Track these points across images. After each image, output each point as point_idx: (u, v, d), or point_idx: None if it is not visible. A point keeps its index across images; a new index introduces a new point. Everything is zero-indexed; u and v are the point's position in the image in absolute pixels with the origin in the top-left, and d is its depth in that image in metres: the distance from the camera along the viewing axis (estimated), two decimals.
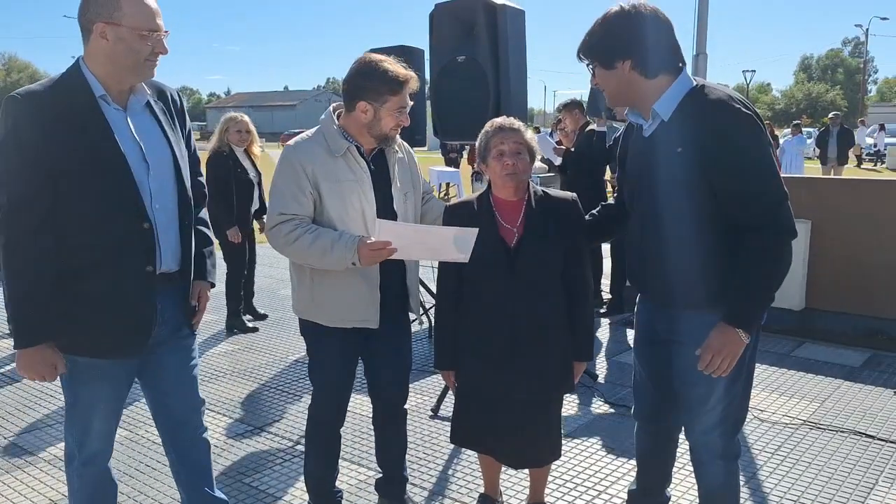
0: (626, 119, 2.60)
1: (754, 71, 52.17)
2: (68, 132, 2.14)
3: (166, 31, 2.26)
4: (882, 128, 29.76)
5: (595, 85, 2.51)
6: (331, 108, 2.81)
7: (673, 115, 2.32)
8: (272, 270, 8.27)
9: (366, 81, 2.62)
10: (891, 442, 3.83)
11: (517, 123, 2.71)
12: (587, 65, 2.45)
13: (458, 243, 2.54)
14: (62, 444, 3.83)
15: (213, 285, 2.66)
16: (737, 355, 2.30)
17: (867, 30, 53.86)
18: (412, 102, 2.71)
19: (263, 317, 6.39)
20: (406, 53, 5.33)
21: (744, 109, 2.22)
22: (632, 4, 2.34)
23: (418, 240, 2.59)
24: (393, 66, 2.62)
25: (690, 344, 2.38)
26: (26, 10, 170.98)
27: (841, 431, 3.97)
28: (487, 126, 2.73)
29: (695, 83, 2.34)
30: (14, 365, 5.14)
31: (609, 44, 2.35)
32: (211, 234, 2.69)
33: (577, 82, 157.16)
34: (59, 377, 2.33)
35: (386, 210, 2.73)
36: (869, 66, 66.15)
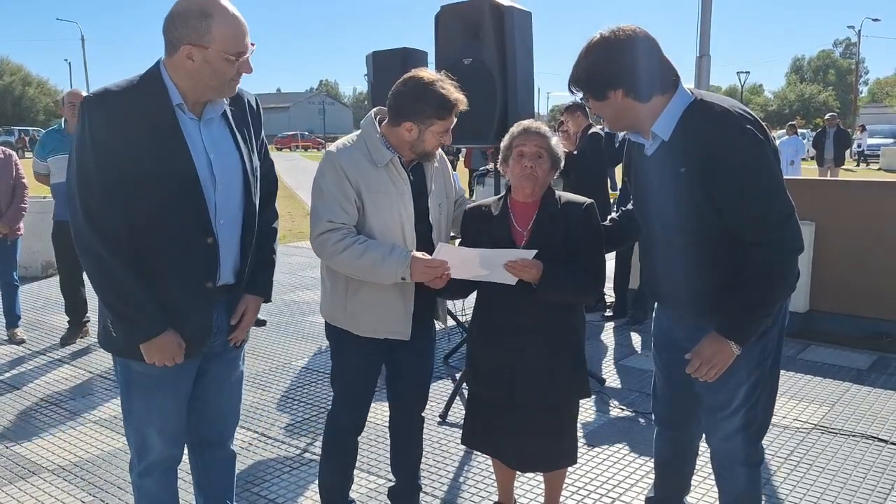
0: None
1: (748, 72, 52.12)
2: (143, 137, 2.11)
3: (253, 45, 2.18)
4: (863, 128, 30.16)
5: (595, 114, 2.48)
6: (372, 113, 2.73)
7: (673, 135, 2.27)
8: None
9: (415, 103, 2.55)
10: None
11: (544, 128, 2.69)
12: (581, 97, 2.43)
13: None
14: (65, 454, 3.80)
15: (267, 300, 2.59)
16: (726, 365, 2.29)
17: (859, 31, 54.02)
18: (455, 120, 2.65)
19: (262, 323, 6.29)
20: (409, 55, 5.32)
21: (745, 124, 2.17)
22: (612, 31, 2.28)
23: (475, 262, 2.56)
24: (446, 89, 2.55)
25: None
26: (19, 13, 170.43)
27: (853, 436, 3.94)
28: (514, 127, 2.72)
29: (693, 97, 2.29)
30: (14, 372, 5.11)
31: (597, 76, 2.30)
32: (275, 244, 2.61)
33: None
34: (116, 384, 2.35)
35: (422, 221, 2.69)
36: (860, 66, 66.41)
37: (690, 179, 2.22)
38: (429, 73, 2.60)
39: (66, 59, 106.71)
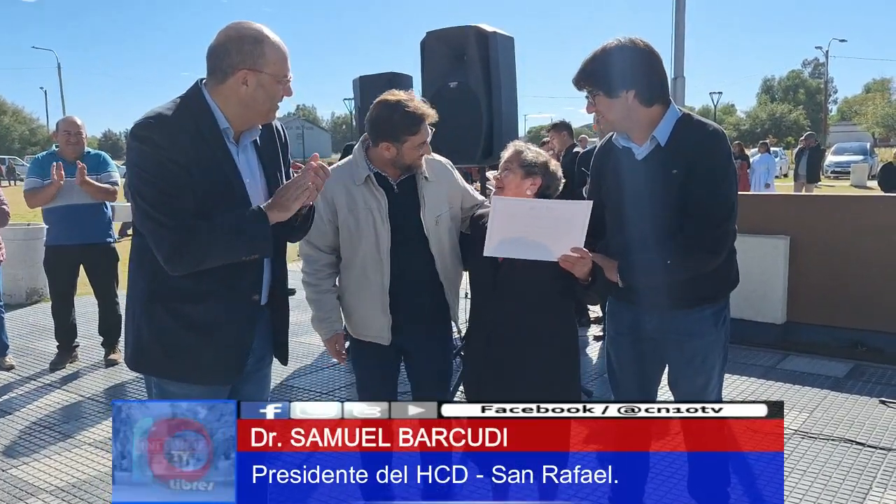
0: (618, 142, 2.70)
1: (720, 93, 52.87)
2: (202, 158, 2.15)
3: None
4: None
5: (593, 112, 2.63)
6: (361, 137, 2.89)
7: (669, 140, 2.53)
8: None
9: (385, 124, 2.71)
10: (881, 448, 3.95)
11: (518, 145, 2.86)
12: (587, 93, 2.59)
13: (569, 223, 2.55)
14: (63, 476, 3.83)
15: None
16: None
17: (827, 51, 55.07)
18: (433, 130, 2.77)
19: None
20: (395, 80, 5.46)
21: (729, 148, 2.56)
22: (630, 38, 2.53)
23: (526, 224, 2.56)
24: (412, 105, 2.70)
25: (694, 336, 2.64)
26: None
27: (832, 440, 4.09)
28: None
29: (681, 112, 2.57)
30: (5, 397, 5.10)
31: (614, 74, 2.50)
32: None
33: (547, 106, 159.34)
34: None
35: (417, 235, 2.82)
36: (829, 86, 67.79)
37: (681, 180, 2.48)
38: (395, 93, 2.76)
39: (41, 88, 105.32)
